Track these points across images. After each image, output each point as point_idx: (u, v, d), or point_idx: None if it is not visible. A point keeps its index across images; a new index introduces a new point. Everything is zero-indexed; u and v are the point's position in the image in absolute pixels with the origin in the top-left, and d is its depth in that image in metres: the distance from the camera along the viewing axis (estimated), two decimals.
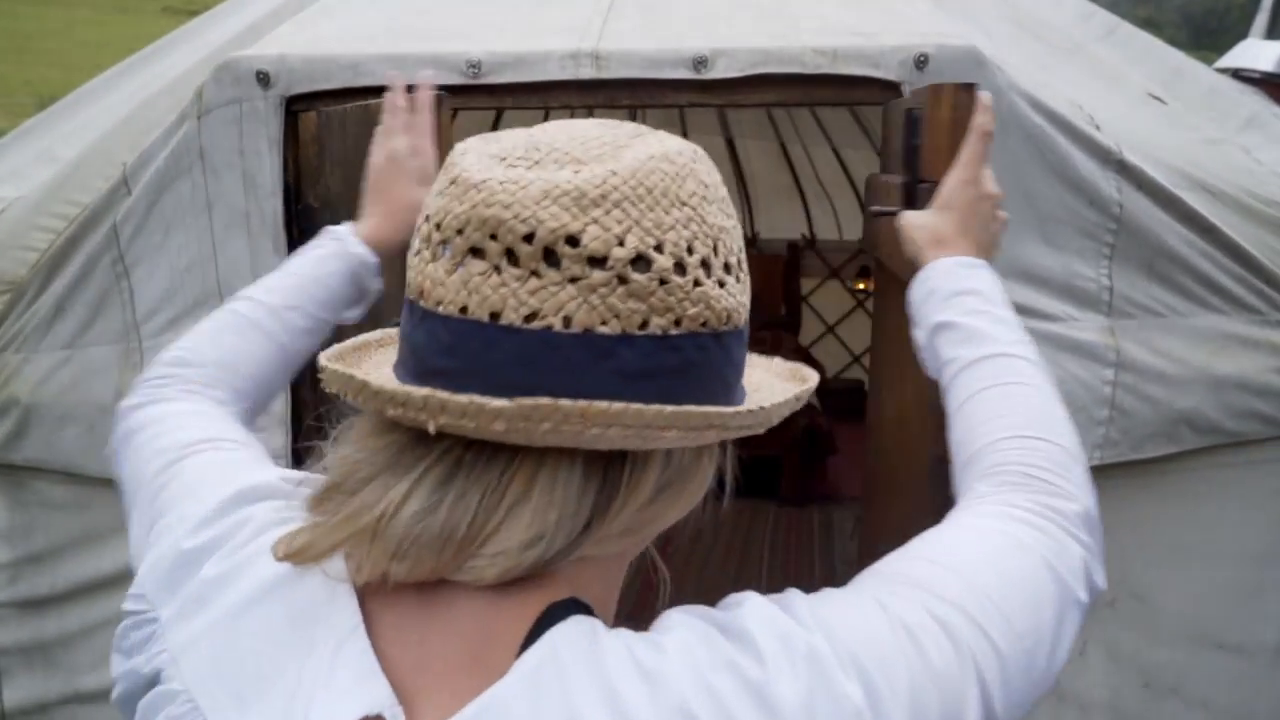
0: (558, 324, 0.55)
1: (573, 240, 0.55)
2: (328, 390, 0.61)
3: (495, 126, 5.61)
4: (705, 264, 0.59)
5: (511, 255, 0.55)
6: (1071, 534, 0.74)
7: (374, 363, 0.68)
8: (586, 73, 1.89)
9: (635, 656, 0.55)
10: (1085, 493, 0.79)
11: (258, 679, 0.59)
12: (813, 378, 0.72)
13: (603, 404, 0.54)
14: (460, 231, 0.57)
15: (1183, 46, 3.44)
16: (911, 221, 1.13)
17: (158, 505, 0.75)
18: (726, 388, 0.63)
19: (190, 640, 0.63)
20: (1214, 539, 2.12)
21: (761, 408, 0.61)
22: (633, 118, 6.09)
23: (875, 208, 1.48)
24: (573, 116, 0.70)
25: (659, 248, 0.56)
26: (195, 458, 0.78)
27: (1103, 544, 0.79)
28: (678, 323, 0.58)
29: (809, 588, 0.64)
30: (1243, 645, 2.17)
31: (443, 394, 0.55)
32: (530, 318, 0.55)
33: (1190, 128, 2.45)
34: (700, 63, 1.86)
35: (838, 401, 5.68)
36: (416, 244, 0.61)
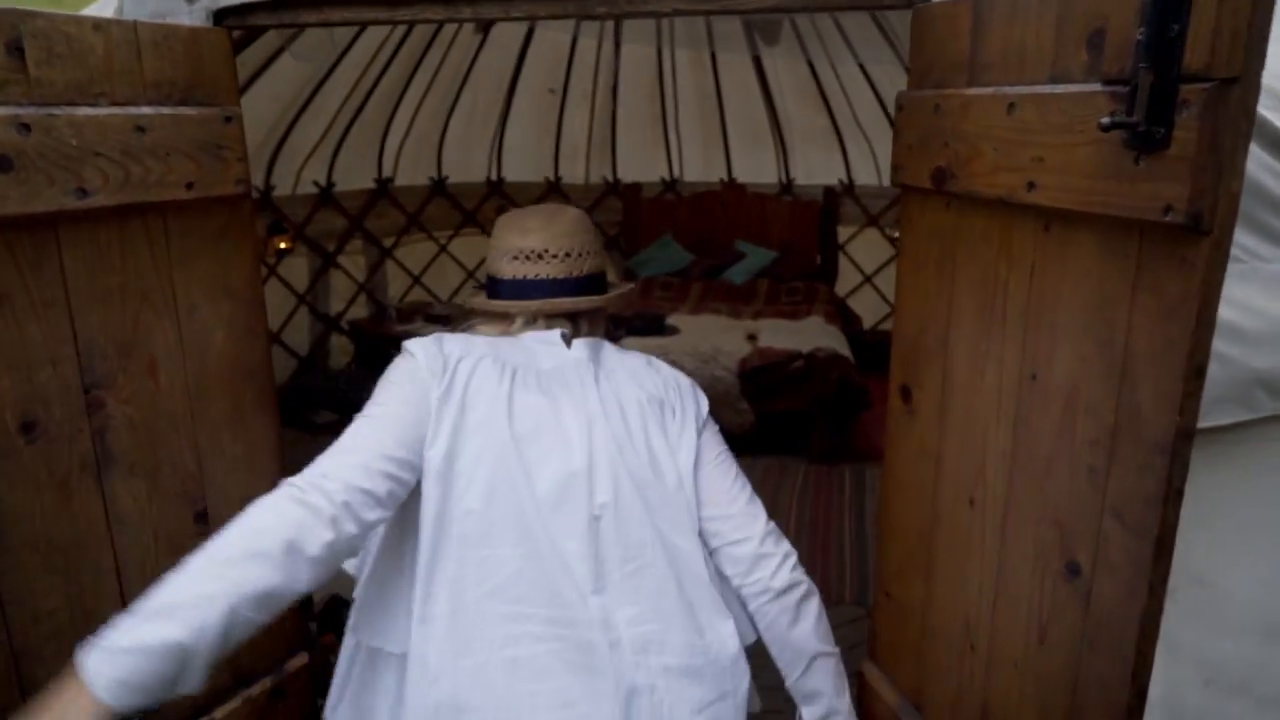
0: (559, 275, 1.60)
1: (550, 252, 1.60)
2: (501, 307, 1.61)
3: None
4: (592, 251, 1.63)
5: (541, 259, 1.60)
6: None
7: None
8: None
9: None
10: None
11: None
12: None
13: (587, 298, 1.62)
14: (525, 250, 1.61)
15: None
16: None
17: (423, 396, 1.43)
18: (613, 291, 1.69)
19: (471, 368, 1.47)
20: None
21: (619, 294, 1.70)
22: (617, 29, 5.94)
23: (1106, 120, 1.10)
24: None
25: (577, 246, 1.62)
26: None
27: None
28: (584, 269, 1.62)
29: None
30: None
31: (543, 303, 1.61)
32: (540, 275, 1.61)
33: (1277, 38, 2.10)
34: None
35: (874, 354, 5.38)
36: (500, 261, 1.62)
